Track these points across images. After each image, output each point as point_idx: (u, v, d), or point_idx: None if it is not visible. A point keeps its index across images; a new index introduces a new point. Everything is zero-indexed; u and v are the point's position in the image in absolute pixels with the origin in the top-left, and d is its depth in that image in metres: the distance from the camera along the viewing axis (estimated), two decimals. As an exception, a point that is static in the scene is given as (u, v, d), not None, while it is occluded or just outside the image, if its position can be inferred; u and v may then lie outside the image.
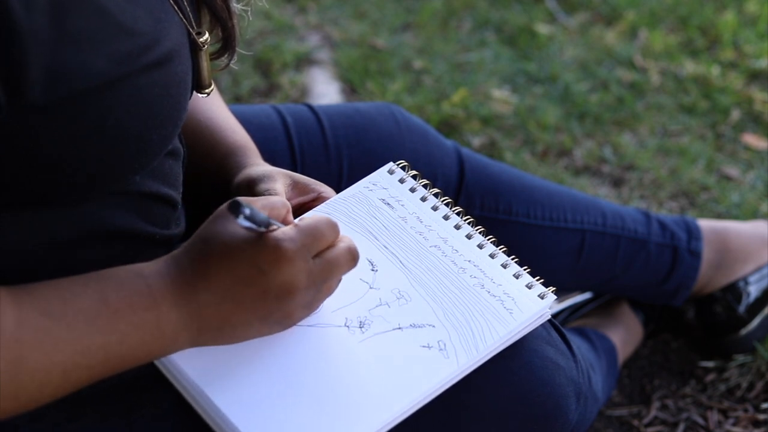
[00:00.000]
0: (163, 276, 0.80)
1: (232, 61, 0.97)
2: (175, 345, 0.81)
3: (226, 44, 0.95)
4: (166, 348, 0.81)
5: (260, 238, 0.80)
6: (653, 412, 1.49)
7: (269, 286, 0.80)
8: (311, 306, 0.85)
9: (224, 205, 0.82)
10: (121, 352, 0.78)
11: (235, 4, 0.94)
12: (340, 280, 0.88)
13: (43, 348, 0.74)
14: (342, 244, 0.85)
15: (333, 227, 0.84)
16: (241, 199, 0.81)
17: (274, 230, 0.81)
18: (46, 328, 0.75)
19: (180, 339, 0.81)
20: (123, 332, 0.78)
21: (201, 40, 0.90)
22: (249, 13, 0.96)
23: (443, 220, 0.99)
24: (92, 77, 0.75)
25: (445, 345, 0.88)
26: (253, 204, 0.82)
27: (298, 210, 0.98)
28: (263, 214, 0.79)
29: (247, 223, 0.78)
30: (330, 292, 0.87)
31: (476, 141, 2.03)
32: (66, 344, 0.75)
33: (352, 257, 0.85)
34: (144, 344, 0.79)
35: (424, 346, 0.88)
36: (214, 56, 0.96)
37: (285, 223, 0.85)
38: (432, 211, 1.00)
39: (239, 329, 0.82)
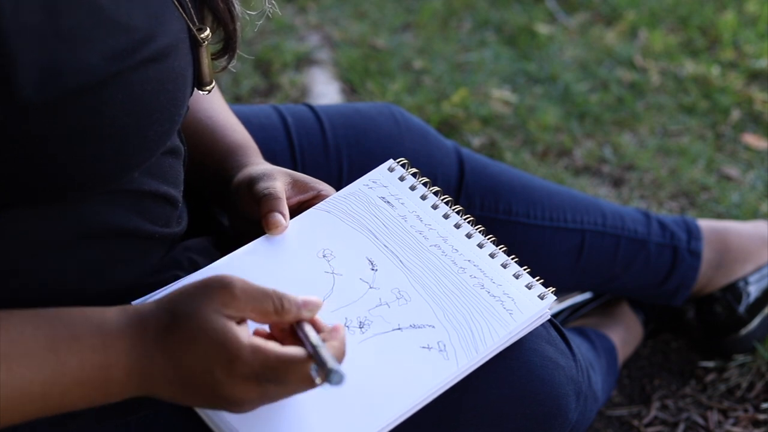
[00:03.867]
0: (122, 335, 0.77)
1: (232, 63, 0.96)
2: (120, 398, 0.78)
3: (227, 46, 0.94)
4: (110, 400, 0.78)
5: (222, 343, 0.75)
6: (653, 412, 1.49)
7: (220, 393, 0.76)
8: (262, 404, 0.79)
9: (220, 294, 0.77)
10: (62, 403, 0.75)
11: (238, 7, 0.93)
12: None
13: None
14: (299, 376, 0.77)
15: (300, 370, 0.76)
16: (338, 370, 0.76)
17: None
18: None
19: (126, 395, 0.78)
20: (67, 386, 0.75)
21: (202, 35, 0.90)
22: (261, 15, 0.95)
23: (443, 218, 0.99)
24: (86, 74, 0.75)
25: (444, 346, 0.88)
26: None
27: (298, 208, 0.98)
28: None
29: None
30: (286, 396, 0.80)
31: (476, 141, 2.03)
32: (2, 387, 0.72)
33: (306, 384, 0.78)
34: (87, 397, 0.76)
35: (423, 347, 0.88)
36: (215, 56, 0.95)
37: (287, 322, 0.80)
38: (432, 209, 0.99)
39: (188, 402, 0.79)
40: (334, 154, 1.22)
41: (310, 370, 0.77)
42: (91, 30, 0.75)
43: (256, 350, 0.76)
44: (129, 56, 0.78)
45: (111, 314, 0.78)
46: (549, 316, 0.95)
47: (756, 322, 1.52)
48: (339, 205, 0.98)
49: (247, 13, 0.95)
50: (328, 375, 0.74)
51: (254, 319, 0.79)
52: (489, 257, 0.96)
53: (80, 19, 0.74)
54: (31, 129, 0.74)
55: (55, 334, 0.75)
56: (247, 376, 0.75)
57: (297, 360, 0.76)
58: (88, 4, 0.75)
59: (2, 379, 0.72)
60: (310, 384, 0.77)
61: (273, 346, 0.76)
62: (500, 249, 0.97)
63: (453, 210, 1.00)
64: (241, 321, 0.78)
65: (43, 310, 0.77)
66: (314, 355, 0.76)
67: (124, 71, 0.77)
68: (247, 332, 0.78)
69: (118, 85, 0.77)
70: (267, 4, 0.95)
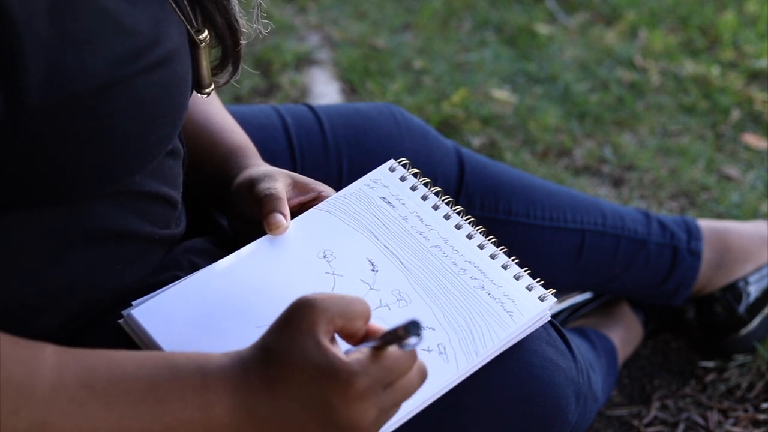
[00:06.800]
0: (224, 375, 0.75)
1: (234, 78, 0.95)
2: None
3: (225, 58, 0.94)
4: None
5: (334, 370, 0.73)
6: (653, 412, 1.49)
7: (337, 420, 0.74)
8: (378, 425, 0.78)
9: (304, 314, 0.74)
10: None
11: (242, 22, 0.92)
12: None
13: (73, 419, 0.71)
14: (415, 368, 0.77)
15: (412, 357, 0.76)
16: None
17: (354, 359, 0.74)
18: (82, 400, 0.71)
19: None
20: (166, 424, 0.73)
21: (200, 37, 0.90)
22: (260, 28, 0.94)
23: (444, 219, 0.99)
24: (91, 79, 0.75)
25: (445, 348, 0.88)
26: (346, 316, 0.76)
27: (299, 209, 0.98)
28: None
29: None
30: (398, 410, 0.79)
31: (476, 141, 2.03)
32: (100, 421, 0.71)
33: (422, 378, 0.78)
34: None
35: (423, 350, 0.87)
36: (215, 71, 0.95)
37: (359, 336, 0.78)
38: (433, 210, 0.99)
39: None
40: (334, 155, 1.22)
41: (416, 354, 0.76)
42: (96, 34, 0.75)
43: (361, 360, 0.74)
44: (134, 61, 0.78)
45: (213, 356, 0.76)
46: (549, 318, 0.95)
47: (756, 322, 1.53)
48: (340, 205, 0.98)
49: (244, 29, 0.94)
50: (410, 329, 0.72)
51: (344, 328, 0.76)
52: (489, 258, 0.96)
53: (86, 23, 0.74)
54: (34, 131, 0.74)
55: (156, 372, 0.74)
56: (364, 391, 0.73)
57: (405, 352, 0.75)
58: (94, 8, 0.75)
59: (102, 416, 0.71)
60: (422, 372, 0.77)
61: (373, 350, 0.75)
62: (501, 250, 0.97)
63: (454, 211, 1.00)
64: (332, 340, 0.76)
65: (146, 351, 0.76)
66: (391, 332, 0.74)
67: (129, 76, 0.77)
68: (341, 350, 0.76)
69: (122, 90, 0.77)
70: (256, 23, 0.94)
